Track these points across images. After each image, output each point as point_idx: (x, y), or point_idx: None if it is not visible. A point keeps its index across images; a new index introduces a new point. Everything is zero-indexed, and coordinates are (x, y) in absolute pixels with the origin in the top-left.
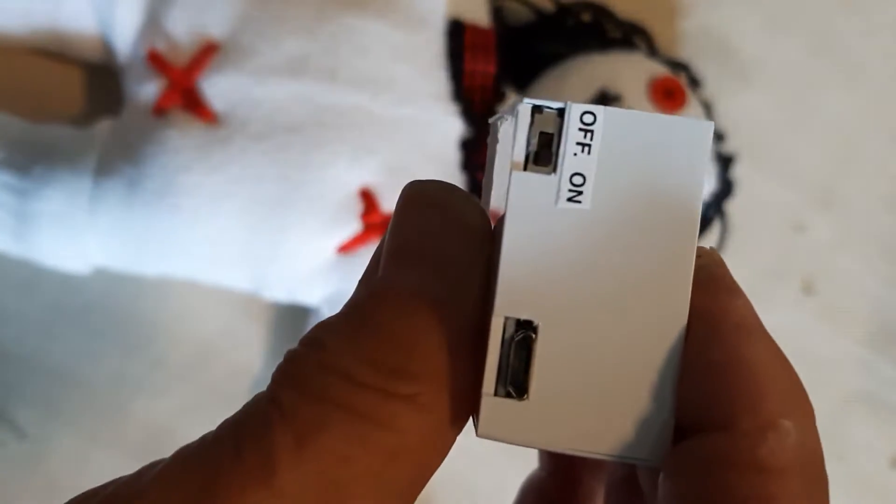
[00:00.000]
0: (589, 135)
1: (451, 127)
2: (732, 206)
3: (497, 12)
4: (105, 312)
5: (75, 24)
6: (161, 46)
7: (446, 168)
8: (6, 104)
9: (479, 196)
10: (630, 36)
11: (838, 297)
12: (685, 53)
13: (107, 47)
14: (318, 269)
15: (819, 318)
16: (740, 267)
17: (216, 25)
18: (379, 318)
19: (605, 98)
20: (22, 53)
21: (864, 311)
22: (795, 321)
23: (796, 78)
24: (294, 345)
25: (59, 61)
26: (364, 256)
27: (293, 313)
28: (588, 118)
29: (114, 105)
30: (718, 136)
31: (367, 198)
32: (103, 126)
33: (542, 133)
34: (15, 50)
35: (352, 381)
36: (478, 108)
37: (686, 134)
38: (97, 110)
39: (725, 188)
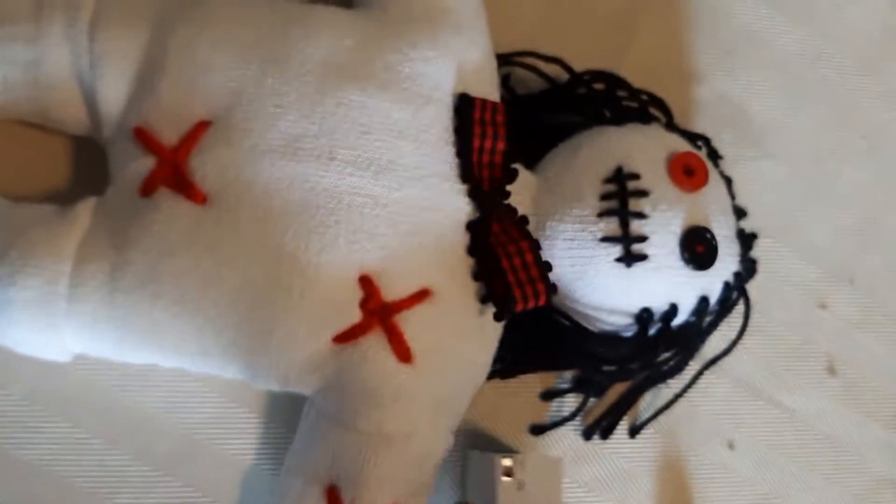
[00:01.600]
0: None
1: (457, 208)
2: (755, 284)
3: (505, 80)
4: (86, 401)
5: (58, 95)
6: (149, 122)
7: (451, 252)
8: None
9: None
10: (646, 106)
11: (862, 377)
12: (701, 121)
13: (93, 119)
14: (313, 360)
15: (845, 400)
16: (765, 348)
17: (208, 100)
18: None
19: (622, 175)
20: (4, 124)
21: (890, 392)
22: (822, 406)
23: (815, 146)
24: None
25: (44, 133)
26: (362, 346)
27: (287, 401)
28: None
29: (101, 180)
30: (740, 213)
31: (367, 284)
32: (86, 205)
33: None
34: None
35: None
36: (486, 186)
37: None
38: (83, 185)
39: (749, 269)
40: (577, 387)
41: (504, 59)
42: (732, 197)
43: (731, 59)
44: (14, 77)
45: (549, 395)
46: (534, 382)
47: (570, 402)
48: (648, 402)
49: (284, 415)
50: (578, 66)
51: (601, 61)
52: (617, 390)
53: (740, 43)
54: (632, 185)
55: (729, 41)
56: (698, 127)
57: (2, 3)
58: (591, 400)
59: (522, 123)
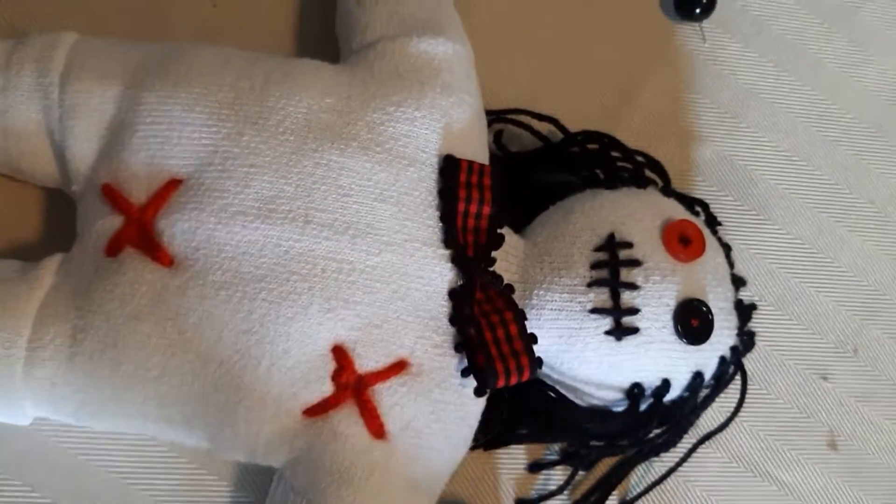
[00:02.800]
0: None
1: (438, 275)
2: (754, 353)
3: (497, 136)
4: (48, 464)
5: (26, 146)
6: (118, 178)
7: (432, 321)
8: None
9: None
10: (641, 169)
11: (865, 452)
12: (702, 183)
13: (62, 172)
14: (282, 434)
15: (845, 477)
16: (763, 421)
17: (180, 159)
18: None
19: (614, 244)
20: None
21: (890, 468)
22: (822, 482)
23: (821, 211)
24: None
25: (13, 183)
26: (334, 420)
27: (258, 470)
28: None
29: (70, 234)
30: (738, 282)
31: (341, 355)
32: (51, 263)
33: None
34: None
35: None
36: (471, 252)
37: None
38: (52, 238)
39: (746, 343)
40: (565, 459)
41: (497, 116)
42: (731, 265)
43: (734, 120)
44: None
45: (536, 466)
46: (519, 453)
47: (558, 475)
48: (640, 475)
49: (255, 484)
50: (576, 127)
51: (600, 122)
52: (607, 463)
53: (745, 103)
54: (624, 253)
55: (733, 101)
56: (700, 189)
57: None
58: (580, 474)
59: (513, 182)
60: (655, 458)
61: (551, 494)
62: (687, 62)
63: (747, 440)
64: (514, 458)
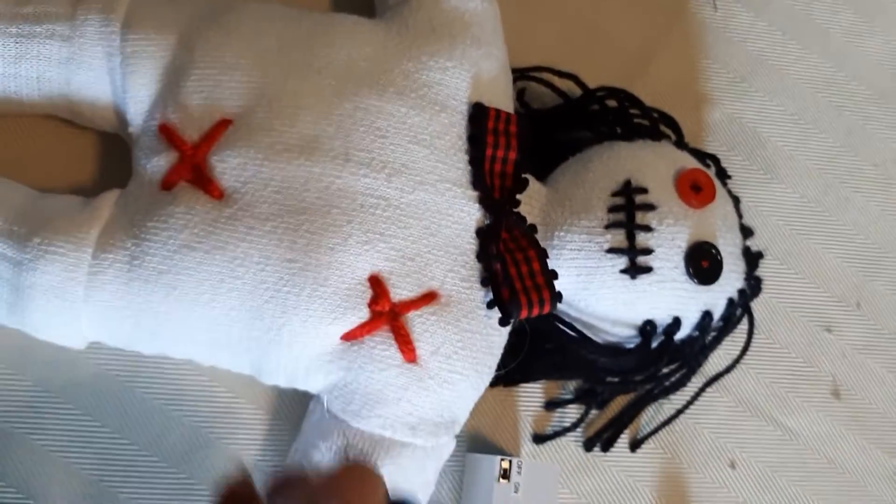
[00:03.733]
0: None
1: (467, 214)
2: (761, 305)
3: (520, 94)
4: (97, 390)
5: (88, 91)
6: (173, 119)
7: (460, 256)
8: (15, 170)
9: None
10: (656, 124)
11: (868, 402)
12: (712, 143)
13: (120, 116)
14: (321, 356)
15: (849, 425)
16: (769, 369)
17: (230, 100)
18: None
19: (630, 189)
20: (34, 119)
21: (891, 417)
22: (826, 429)
23: (826, 172)
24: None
25: (73, 127)
26: (369, 345)
27: (294, 398)
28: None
29: (124, 174)
30: (747, 232)
31: (377, 284)
32: (108, 197)
33: None
34: (27, 115)
35: None
36: (497, 194)
37: None
38: (108, 178)
39: (753, 287)
40: (579, 398)
41: (520, 74)
42: (740, 216)
43: (744, 84)
44: (48, 74)
45: (552, 404)
46: (537, 392)
47: (573, 413)
48: (650, 416)
49: (291, 412)
50: (593, 86)
51: (617, 84)
52: (619, 402)
53: (754, 69)
54: (639, 198)
55: (743, 67)
56: (710, 149)
57: (40, 4)
58: (593, 412)
59: (535, 137)
60: (665, 400)
61: (566, 430)
62: (700, 29)
63: (753, 386)
64: (531, 396)
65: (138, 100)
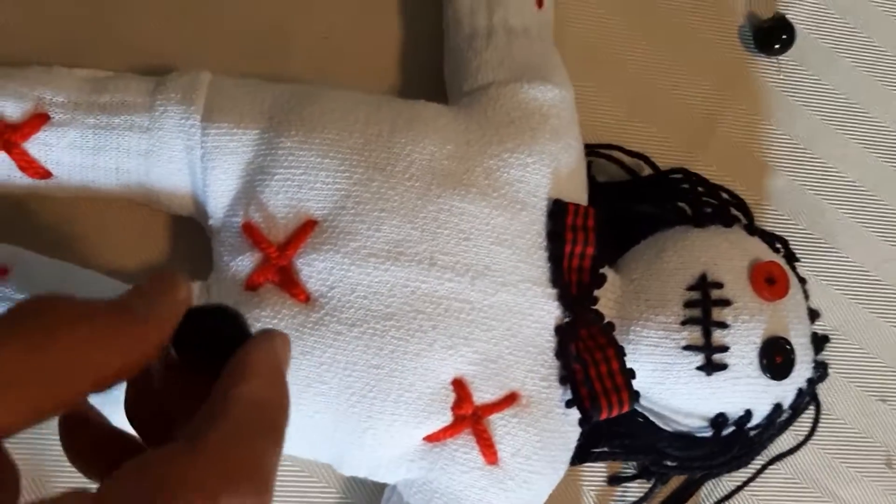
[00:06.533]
0: None
1: (546, 312)
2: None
3: (587, 168)
4: None
5: (167, 182)
6: (257, 218)
7: (540, 356)
8: (83, 247)
9: None
10: (727, 206)
11: None
12: (775, 211)
13: (199, 207)
14: (402, 456)
15: None
16: (825, 439)
17: (315, 202)
18: None
19: (706, 283)
20: (113, 204)
21: None
22: (879, 500)
23: (885, 241)
24: None
25: (147, 211)
26: (452, 447)
27: (367, 482)
28: None
29: (199, 259)
30: (814, 315)
31: (460, 388)
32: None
33: None
34: (106, 201)
35: None
36: (574, 290)
37: None
38: (181, 264)
39: (821, 373)
40: (643, 474)
41: (589, 150)
42: (807, 297)
43: (806, 151)
44: (127, 166)
45: (615, 480)
46: (600, 468)
47: (635, 488)
48: (708, 489)
49: (364, 494)
50: (659, 157)
51: (682, 152)
52: (679, 476)
53: (816, 134)
54: (715, 293)
55: (806, 133)
56: (771, 216)
57: (117, 92)
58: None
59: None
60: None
61: None
62: (763, 95)
63: (809, 457)
64: (595, 472)
65: (219, 194)
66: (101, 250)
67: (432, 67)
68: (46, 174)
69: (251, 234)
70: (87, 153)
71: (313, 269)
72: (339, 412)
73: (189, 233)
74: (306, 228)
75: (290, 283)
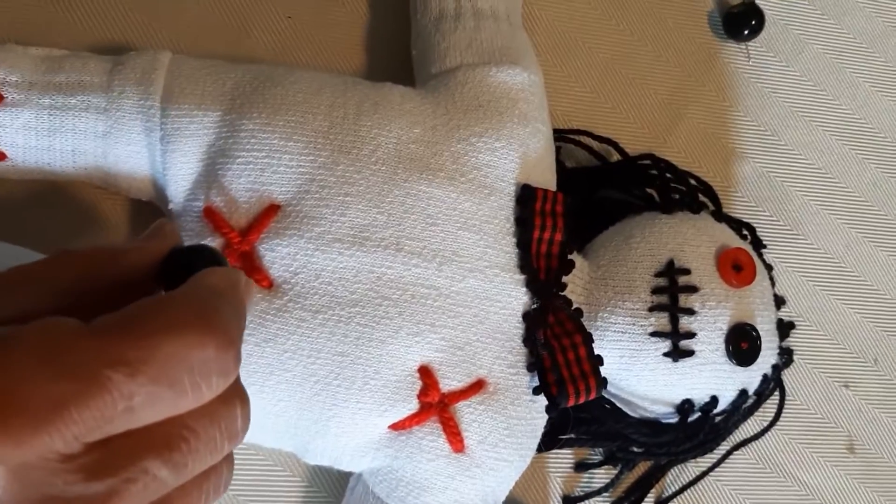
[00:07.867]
0: None
1: (514, 298)
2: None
3: (556, 152)
4: None
5: (126, 165)
6: (218, 202)
7: (507, 342)
8: (39, 229)
9: None
10: (696, 193)
11: (881, 457)
12: (741, 198)
13: (159, 191)
14: (367, 445)
15: (863, 480)
16: (789, 424)
17: (278, 185)
18: None
19: (673, 270)
20: (70, 187)
21: None
22: (841, 484)
23: (850, 228)
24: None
25: (106, 195)
26: (418, 435)
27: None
28: None
29: None
30: (779, 301)
31: (426, 375)
32: None
33: None
34: (63, 184)
35: None
36: (542, 276)
37: None
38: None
39: (786, 359)
40: (609, 460)
41: (558, 135)
42: (773, 284)
43: (774, 138)
44: (83, 147)
45: (581, 466)
46: (566, 454)
47: (601, 474)
48: (674, 475)
49: (329, 483)
50: (626, 143)
51: (648, 138)
52: (646, 463)
53: (784, 122)
54: (682, 280)
55: (774, 120)
56: (738, 204)
57: (73, 72)
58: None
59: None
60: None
61: (597, 492)
62: (732, 81)
63: (774, 443)
64: (561, 458)
65: (179, 177)
66: (57, 235)
67: (399, 49)
68: (1, 156)
69: (212, 219)
70: (43, 135)
71: (276, 254)
72: (302, 400)
73: (148, 217)
74: (269, 213)
75: (252, 269)
